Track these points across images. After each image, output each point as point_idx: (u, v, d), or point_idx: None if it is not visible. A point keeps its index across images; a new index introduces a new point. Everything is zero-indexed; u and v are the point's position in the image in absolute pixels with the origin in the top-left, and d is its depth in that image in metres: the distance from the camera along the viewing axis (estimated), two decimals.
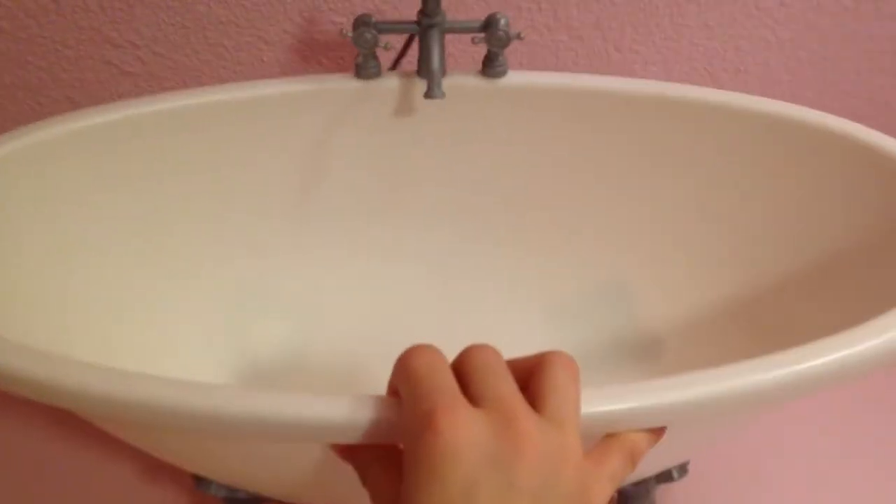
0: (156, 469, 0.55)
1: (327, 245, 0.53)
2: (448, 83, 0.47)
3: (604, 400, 0.26)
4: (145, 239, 0.47)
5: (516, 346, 0.48)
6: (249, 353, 0.51)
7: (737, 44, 0.54)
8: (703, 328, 0.49)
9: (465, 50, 0.54)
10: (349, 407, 0.25)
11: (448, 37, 0.52)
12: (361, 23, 0.45)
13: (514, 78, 0.48)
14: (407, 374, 0.23)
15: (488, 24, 0.46)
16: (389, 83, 0.48)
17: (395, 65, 0.49)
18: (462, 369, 0.24)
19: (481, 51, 0.49)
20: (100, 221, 0.44)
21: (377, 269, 0.54)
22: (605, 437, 0.26)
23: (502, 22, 0.45)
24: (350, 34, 0.45)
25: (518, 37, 0.46)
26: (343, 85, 0.47)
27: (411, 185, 0.52)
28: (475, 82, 0.48)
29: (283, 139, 0.48)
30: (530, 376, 0.24)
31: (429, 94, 0.43)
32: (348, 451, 0.27)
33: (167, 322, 0.48)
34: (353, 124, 0.49)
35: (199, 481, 0.47)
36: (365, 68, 0.47)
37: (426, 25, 0.45)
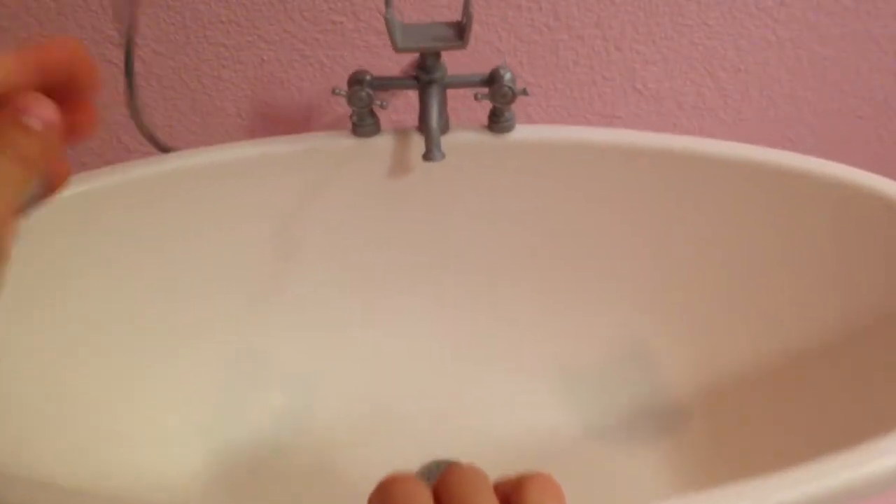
0: None
1: (322, 315, 0.51)
2: (450, 140, 0.45)
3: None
4: (123, 320, 0.45)
5: (530, 416, 0.48)
6: (244, 431, 0.49)
7: (737, 44, 0.54)
8: (728, 394, 0.46)
9: (470, 102, 0.53)
10: None
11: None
12: (356, 80, 0.43)
13: (523, 132, 0.46)
14: (384, 500, 0.23)
15: (492, 80, 0.44)
16: (387, 141, 0.46)
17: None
18: (443, 490, 0.23)
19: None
20: (69, 306, 0.43)
21: (379, 340, 0.52)
22: None
23: (507, 77, 0.43)
24: (343, 92, 0.43)
25: (523, 92, 0.43)
26: (338, 143, 0.46)
27: (413, 249, 0.50)
28: (480, 138, 0.46)
29: (273, 202, 0.47)
30: (510, 497, 0.23)
31: (427, 157, 0.40)
32: None
33: (151, 406, 0.46)
34: (348, 185, 0.47)
35: None
36: (361, 126, 0.45)
37: (425, 81, 0.43)
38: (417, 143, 0.46)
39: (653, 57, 0.55)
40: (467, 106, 0.54)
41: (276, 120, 0.56)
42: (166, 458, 0.45)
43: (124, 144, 0.57)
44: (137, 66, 0.52)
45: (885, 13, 0.53)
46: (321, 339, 0.51)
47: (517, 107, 0.57)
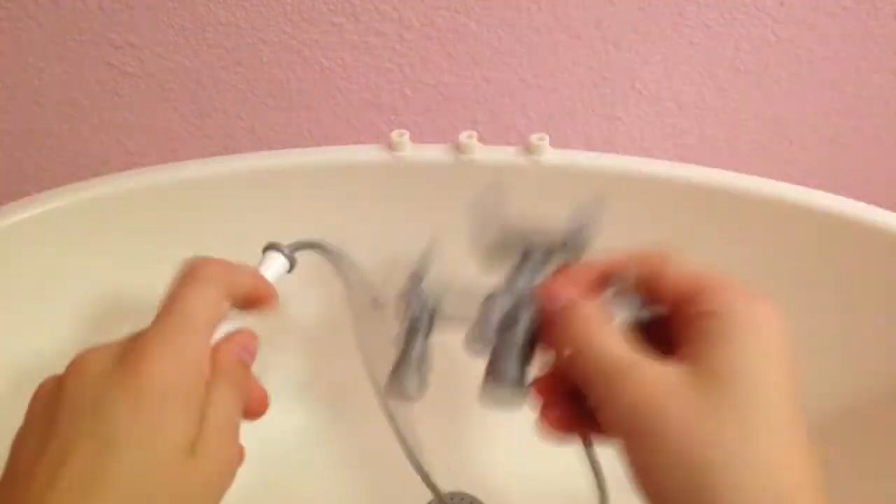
0: None
1: (335, 335, 0.49)
2: (487, 159, 0.42)
3: None
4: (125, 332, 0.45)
5: (558, 455, 0.47)
6: (262, 442, 0.49)
7: (737, 44, 0.54)
8: None
9: None
10: None
11: None
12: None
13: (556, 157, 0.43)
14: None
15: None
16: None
17: None
18: None
19: None
20: (73, 315, 0.42)
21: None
22: None
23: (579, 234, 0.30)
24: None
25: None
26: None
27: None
28: (513, 160, 0.43)
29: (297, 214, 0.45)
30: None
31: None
32: None
33: None
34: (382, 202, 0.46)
35: None
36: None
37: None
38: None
39: (653, 57, 0.55)
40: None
41: (276, 121, 0.56)
42: None
43: (123, 146, 0.57)
44: (136, 68, 0.52)
45: (884, 13, 0.53)
46: (334, 359, 0.50)
47: (516, 106, 0.57)
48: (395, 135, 0.45)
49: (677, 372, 0.22)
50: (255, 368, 0.30)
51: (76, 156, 0.57)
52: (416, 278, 0.30)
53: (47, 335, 0.42)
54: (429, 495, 0.49)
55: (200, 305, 0.26)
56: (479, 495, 0.49)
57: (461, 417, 0.51)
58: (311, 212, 0.47)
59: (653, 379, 0.22)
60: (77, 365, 0.25)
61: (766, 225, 0.43)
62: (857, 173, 0.64)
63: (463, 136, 0.44)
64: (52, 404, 0.24)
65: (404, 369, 0.30)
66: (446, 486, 0.49)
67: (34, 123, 0.55)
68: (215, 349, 0.27)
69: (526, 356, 0.27)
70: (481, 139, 0.45)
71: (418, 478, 0.50)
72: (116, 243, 0.44)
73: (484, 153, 0.45)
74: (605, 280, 0.26)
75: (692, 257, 0.26)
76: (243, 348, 0.28)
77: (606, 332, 0.24)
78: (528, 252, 0.29)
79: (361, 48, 0.52)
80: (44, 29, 0.50)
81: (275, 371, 0.50)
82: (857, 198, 0.42)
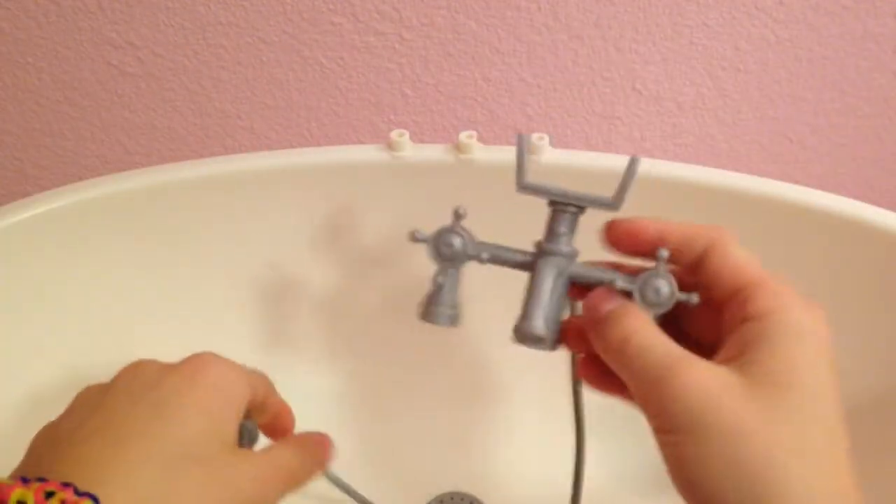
0: None
1: (337, 340, 0.50)
2: (500, 162, 0.42)
3: None
4: (127, 332, 0.44)
5: (559, 456, 0.47)
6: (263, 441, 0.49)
7: (737, 44, 0.54)
8: None
9: None
10: None
11: None
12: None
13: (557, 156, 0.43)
14: None
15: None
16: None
17: None
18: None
19: None
20: (73, 315, 0.42)
21: (397, 368, 0.50)
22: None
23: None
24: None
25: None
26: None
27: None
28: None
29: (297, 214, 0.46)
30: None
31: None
32: None
33: None
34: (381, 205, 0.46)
35: None
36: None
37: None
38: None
39: (652, 57, 0.55)
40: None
41: (276, 121, 0.56)
42: None
43: (123, 146, 0.57)
44: (136, 68, 0.52)
45: (884, 13, 0.53)
46: (335, 363, 0.50)
47: (514, 106, 0.57)
48: (394, 135, 0.45)
49: (730, 371, 0.22)
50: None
51: (76, 156, 0.57)
52: (458, 216, 0.31)
53: (48, 335, 0.42)
54: (429, 495, 0.49)
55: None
56: (479, 495, 0.49)
57: (461, 418, 0.51)
58: (310, 212, 0.47)
59: (707, 375, 0.22)
60: (130, 367, 0.26)
61: (765, 225, 0.43)
62: (857, 173, 0.64)
63: (463, 136, 0.44)
64: (99, 393, 0.25)
65: (438, 299, 0.31)
66: (446, 486, 0.49)
67: (34, 123, 0.55)
68: None
69: (558, 310, 0.29)
70: (481, 139, 0.45)
71: (418, 478, 0.50)
72: (116, 243, 0.44)
73: (484, 153, 0.45)
74: (651, 247, 0.26)
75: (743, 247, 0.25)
76: (323, 448, 0.30)
77: (653, 326, 0.25)
78: (559, 206, 0.29)
79: (361, 48, 0.52)
80: (44, 29, 0.50)
81: (275, 371, 0.50)
82: (857, 198, 0.42)
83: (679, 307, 0.26)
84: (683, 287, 0.26)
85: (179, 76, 0.53)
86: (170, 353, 0.46)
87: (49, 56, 0.51)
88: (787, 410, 0.21)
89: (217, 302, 0.47)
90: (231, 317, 0.48)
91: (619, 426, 0.50)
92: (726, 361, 0.23)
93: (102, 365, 0.44)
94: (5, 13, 0.49)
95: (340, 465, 0.50)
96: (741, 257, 0.25)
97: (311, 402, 0.51)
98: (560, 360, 0.51)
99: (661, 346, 0.24)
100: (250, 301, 0.48)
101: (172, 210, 0.45)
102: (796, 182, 0.42)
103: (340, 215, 0.47)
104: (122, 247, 0.44)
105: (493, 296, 0.49)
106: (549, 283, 0.28)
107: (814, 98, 0.58)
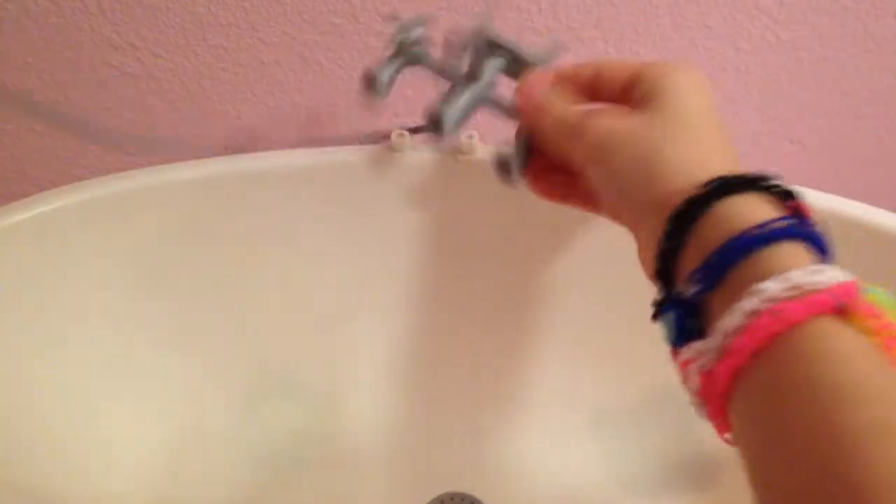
0: None
1: (339, 338, 0.50)
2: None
3: None
4: (134, 331, 0.45)
5: (559, 456, 0.46)
6: (264, 443, 0.49)
7: (737, 44, 0.54)
8: None
9: None
10: None
11: None
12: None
13: None
14: None
15: None
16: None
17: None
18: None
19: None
20: (77, 314, 0.42)
21: (400, 370, 0.50)
22: None
23: None
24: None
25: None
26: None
27: (439, 280, 0.48)
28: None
29: (295, 215, 0.46)
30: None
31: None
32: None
33: (161, 417, 0.46)
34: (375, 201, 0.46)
35: None
36: None
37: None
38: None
39: (653, 57, 0.55)
40: None
41: (276, 121, 0.56)
42: (179, 471, 0.45)
43: (123, 146, 0.57)
44: (136, 69, 0.52)
45: (885, 13, 0.53)
46: (341, 362, 0.50)
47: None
48: (395, 135, 0.45)
49: (628, 113, 0.31)
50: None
51: (76, 156, 0.57)
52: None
53: (48, 335, 0.42)
54: (429, 495, 0.49)
55: None
56: (479, 495, 0.49)
57: (461, 418, 0.51)
58: (311, 211, 0.47)
59: (609, 118, 0.31)
60: None
61: None
62: (857, 173, 0.63)
63: (463, 136, 0.44)
64: None
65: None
66: (446, 486, 0.49)
67: (34, 123, 0.55)
68: None
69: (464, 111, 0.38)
70: (481, 139, 0.45)
71: (418, 478, 0.50)
72: (116, 243, 0.44)
73: (484, 153, 0.45)
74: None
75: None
76: None
77: (565, 101, 0.33)
78: (492, 49, 0.38)
79: (361, 48, 0.52)
80: (44, 29, 0.50)
81: (274, 370, 0.50)
82: (857, 198, 0.42)
83: None
84: None
85: (179, 76, 0.53)
86: (170, 350, 0.46)
87: (49, 57, 0.51)
88: (670, 120, 0.29)
89: (217, 302, 0.47)
90: (230, 316, 0.48)
91: (619, 426, 0.50)
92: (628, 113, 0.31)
93: (102, 364, 0.44)
94: (5, 13, 0.49)
95: (341, 464, 0.50)
96: (620, 59, 0.35)
97: (306, 400, 0.51)
98: (560, 361, 0.51)
99: (574, 107, 0.32)
100: (250, 300, 0.48)
101: (172, 210, 0.45)
102: (796, 183, 0.42)
103: (340, 215, 0.47)
104: (122, 247, 0.44)
105: (486, 303, 0.49)
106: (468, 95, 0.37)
107: (814, 99, 0.58)
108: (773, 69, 0.56)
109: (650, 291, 0.42)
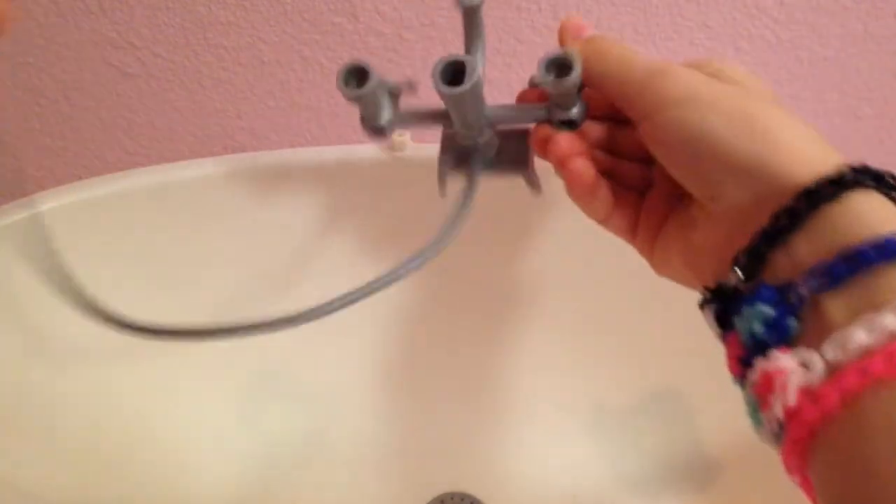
0: None
1: (341, 338, 0.49)
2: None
3: None
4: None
5: (559, 456, 0.46)
6: (265, 443, 0.49)
7: (737, 44, 0.54)
8: (761, 449, 0.44)
9: None
10: None
11: None
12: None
13: None
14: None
15: None
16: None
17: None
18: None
19: None
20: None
21: (400, 370, 0.50)
22: None
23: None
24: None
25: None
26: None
27: (440, 278, 0.48)
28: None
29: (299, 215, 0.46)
30: None
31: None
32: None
33: (168, 421, 0.46)
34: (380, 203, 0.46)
35: None
36: None
37: None
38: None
39: (653, 57, 0.55)
40: None
41: (276, 121, 0.56)
42: (185, 474, 0.45)
43: (123, 146, 0.57)
44: (136, 69, 0.52)
45: (885, 13, 0.53)
46: (341, 361, 0.50)
47: None
48: (395, 135, 0.45)
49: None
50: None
51: (76, 156, 0.57)
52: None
53: (48, 335, 0.42)
54: (429, 495, 0.49)
55: None
56: (479, 495, 0.49)
57: (462, 418, 0.51)
58: (311, 211, 0.47)
59: (692, 73, 0.28)
60: None
61: None
62: None
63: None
64: None
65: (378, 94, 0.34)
66: (446, 486, 0.49)
67: (34, 123, 0.55)
68: None
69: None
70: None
71: (418, 478, 0.50)
72: (116, 243, 0.44)
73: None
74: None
75: None
76: None
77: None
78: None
79: (361, 48, 0.52)
80: (44, 29, 0.50)
81: (275, 372, 0.50)
82: None
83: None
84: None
85: (179, 76, 0.53)
86: (167, 349, 0.46)
87: (49, 56, 0.51)
88: (755, 92, 0.28)
89: (217, 301, 0.47)
90: (230, 316, 0.48)
91: (618, 426, 0.50)
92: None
93: (101, 365, 0.44)
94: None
95: (341, 464, 0.50)
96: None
97: (306, 400, 0.51)
98: (560, 361, 0.51)
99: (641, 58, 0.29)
100: (250, 300, 0.48)
101: (172, 210, 0.45)
102: None
103: (340, 215, 0.47)
104: (122, 247, 0.44)
105: (486, 302, 0.49)
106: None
107: (814, 99, 0.58)
108: (773, 69, 0.56)
109: (650, 291, 0.42)
